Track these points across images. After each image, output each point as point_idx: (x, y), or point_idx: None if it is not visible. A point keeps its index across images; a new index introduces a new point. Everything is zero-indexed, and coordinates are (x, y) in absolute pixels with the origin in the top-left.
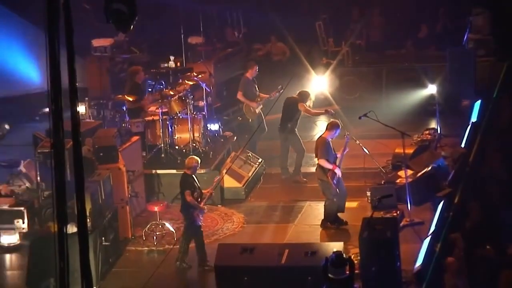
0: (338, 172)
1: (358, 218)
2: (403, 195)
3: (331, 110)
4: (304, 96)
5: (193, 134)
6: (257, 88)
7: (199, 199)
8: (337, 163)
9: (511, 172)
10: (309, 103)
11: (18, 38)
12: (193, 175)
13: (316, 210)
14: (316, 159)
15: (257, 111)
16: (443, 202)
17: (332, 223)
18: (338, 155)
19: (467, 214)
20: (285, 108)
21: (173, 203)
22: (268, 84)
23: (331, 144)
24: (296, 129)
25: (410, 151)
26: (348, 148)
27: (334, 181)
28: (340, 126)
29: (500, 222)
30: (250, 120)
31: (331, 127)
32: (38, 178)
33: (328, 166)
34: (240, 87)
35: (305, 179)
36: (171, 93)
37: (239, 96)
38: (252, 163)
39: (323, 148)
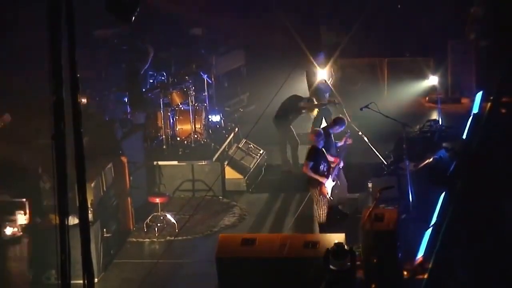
0: (341, 164)
1: (360, 209)
2: (404, 187)
3: (336, 100)
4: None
5: (195, 126)
6: None
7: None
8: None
9: None
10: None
11: None
12: (323, 148)
13: None
14: None
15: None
16: (445, 194)
17: (334, 215)
18: (333, 163)
19: None
20: (288, 101)
21: (174, 194)
22: (269, 76)
23: (332, 136)
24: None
25: (411, 142)
26: (342, 163)
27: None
28: (346, 123)
29: (503, 213)
30: (335, 102)
31: (337, 121)
32: (40, 169)
33: (329, 158)
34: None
35: None
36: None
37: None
38: (253, 155)
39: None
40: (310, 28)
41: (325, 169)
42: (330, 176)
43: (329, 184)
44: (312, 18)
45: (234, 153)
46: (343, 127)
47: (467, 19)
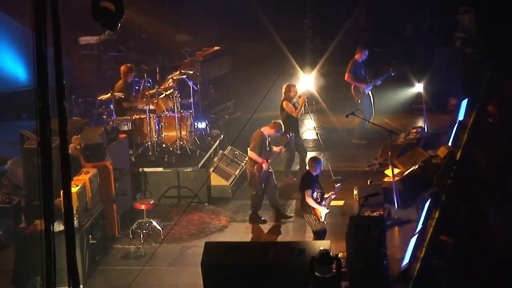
0: (265, 166)
1: (345, 216)
2: (390, 194)
3: (302, 93)
4: (286, 91)
5: (180, 132)
6: (366, 71)
7: (319, 200)
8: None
9: (498, 171)
10: (295, 99)
11: (5, 36)
12: (316, 175)
13: None
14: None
15: (366, 92)
16: (430, 201)
17: (256, 217)
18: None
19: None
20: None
21: (159, 201)
22: (255, 82)
23: (268, 140)
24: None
25: (396, 149)
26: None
27: (261, 174)
28: (282, 130)
29: (487, 221)
30: (359, 101)
31: (274, 126)
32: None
33: (257, 159)
34: (348, 69)
35: (294, 179)
36: (158, 91)
37: (347, 77)
38: (239, 162)
39: (258, 142)
40: (295, 35)
41: (318, 196)
42: (324, 201)
43: (323, 210)
44: (298, 25)
45: (219, 160)
46: (280, 132)
47: (453, 27)
